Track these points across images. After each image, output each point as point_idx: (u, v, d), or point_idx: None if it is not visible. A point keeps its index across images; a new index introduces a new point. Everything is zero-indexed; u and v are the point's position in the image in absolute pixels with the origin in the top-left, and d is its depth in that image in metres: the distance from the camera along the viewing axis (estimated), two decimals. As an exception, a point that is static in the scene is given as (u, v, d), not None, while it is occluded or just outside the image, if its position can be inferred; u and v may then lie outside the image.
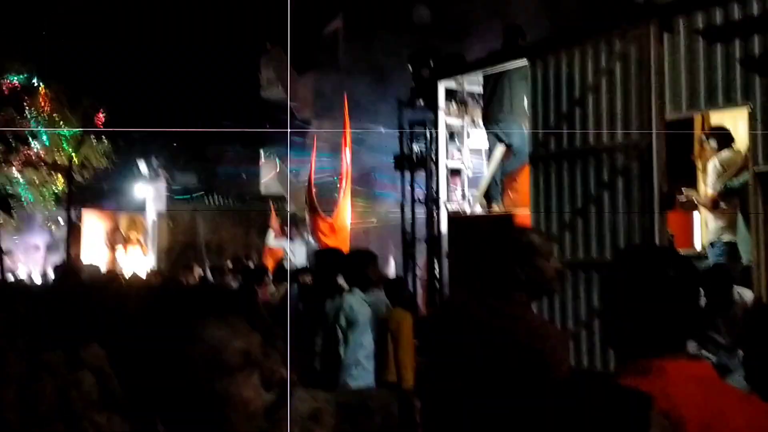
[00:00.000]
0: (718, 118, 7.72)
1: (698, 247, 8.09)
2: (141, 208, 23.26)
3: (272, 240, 14.16)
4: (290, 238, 13.34)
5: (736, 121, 7.26)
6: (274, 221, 14.53)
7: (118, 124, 21.57)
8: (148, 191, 23.99)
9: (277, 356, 1.24)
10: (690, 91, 5.36)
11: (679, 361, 1.61)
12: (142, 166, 23.90)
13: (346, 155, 10.97)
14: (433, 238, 8.14)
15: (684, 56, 5.39)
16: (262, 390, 1.15)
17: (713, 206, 6.88)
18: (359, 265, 5.00)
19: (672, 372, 1.58)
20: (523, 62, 6.75)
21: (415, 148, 8.72)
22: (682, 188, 8.19)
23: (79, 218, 22.14)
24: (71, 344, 2.73)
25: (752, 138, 5.08)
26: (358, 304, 4.89)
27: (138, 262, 20.18)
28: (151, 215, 22.71)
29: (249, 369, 1.15)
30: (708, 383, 1.58)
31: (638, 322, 1.65)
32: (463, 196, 8.52)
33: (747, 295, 5.42)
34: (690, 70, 5.36)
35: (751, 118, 5.03)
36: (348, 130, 11.05)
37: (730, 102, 5.19)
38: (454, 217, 7.91)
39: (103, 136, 20.97)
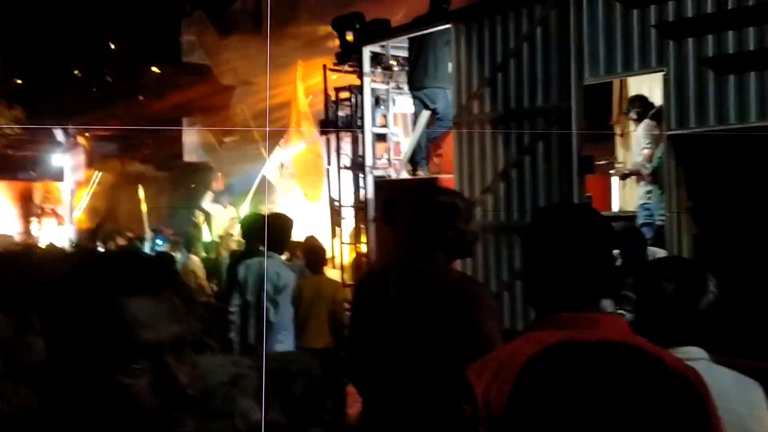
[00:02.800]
0: (637, 86, 7.98)
1: (615, 208, 8.38)
2: (58, 178, 22.41)
3: (209, 203, 13.95)
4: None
5: (652, 86, 7.52)
6: (220, 183, 14.39)
7: (32, 91, 20.61)
8: (65, 160, 23.12)
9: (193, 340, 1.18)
10: (607, 56, 5.47)
11: (600, 313, 1.66)
12: (59, 133, 22.98)
13: None
14: (359, 203, 8.15)
15: (602, 22, 5.49)
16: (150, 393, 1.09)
17: (641, 173, 7.17)
18: (277, 229, 4.97)
19: (600, 323, 1.62)
20: (447, 27, 6.75)
21: (341, 113, 8.67)
22: (615, 163, 8.50)
23: (-9, 188, 21.21)
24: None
25: (666, 102, 5.23)
26: (282, 269, 4.86)
27: (55, 232, 19.51)
28: (69, 184, 21.92)
29: (148, 364, 1.09)
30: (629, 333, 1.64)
31: (554, 280, 1.69)
32: (389, 161, 8.54)
33: (660, 254, 5.65)
34: (608, 36, 5.46)
35: (666, 82, 5.17)
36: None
37: (645, 67, 5.33)
38: (380, 183, 7.92)
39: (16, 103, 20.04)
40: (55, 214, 20.57)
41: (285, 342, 4.83)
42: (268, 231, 4.89)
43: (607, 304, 5.68)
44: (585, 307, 1.64)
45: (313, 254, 6.00)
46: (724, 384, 1.89)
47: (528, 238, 1.80)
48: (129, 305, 1.08)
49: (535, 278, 1.75)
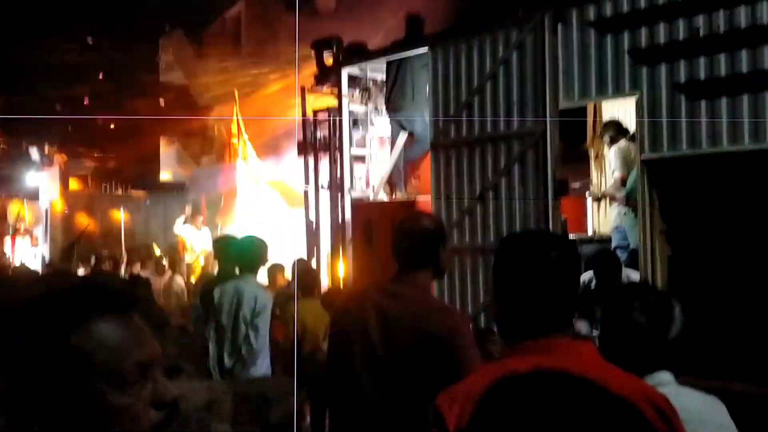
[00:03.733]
0: (611, 110, 8.09)
1: (590, 231, 8.46)
2: (33, 197, 22.14)
3: (180, 225, 13.88)
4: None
5: (626, 110, 7.63)
6: (202, 206, 14.38)
7: (5, 109, 20.40)
8: (40, 179, 22.87)
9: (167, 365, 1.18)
10: (582, 80, 5.55)
11: (563, 339, 1.67)
12: (34, 152, 22.77)
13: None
14: (337, 224, 8.14)
15: (576, 47, 5.57)
16: (152, 409, 1.09)
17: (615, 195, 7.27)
18: (252, 252, 4.94)
19: (558, 349, 1.64)
20: (424, 50, 6.81)
21: (319, 134, 8.69)
22: (589, 185, 8.61)
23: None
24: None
25: (639, 126, 5.30)
26: (260, 292, 4.83)
27: (27, 252, 19.24)
28: (43, 204, 21.66)
29: (141, 382, 1.09)
30: (589, 359, 1.65)
31: (518, 306, 1.71)
32: (367, 182, 8.55)
33: (634, 277, 5.70)
34: (582, 61, 5.55)
35: (638, 107, 5.25)
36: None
37: (619, 91, 5.41)
38: (358, 204, 7.93)
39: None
40: (28, 233, 20.29)
41: (261, 366, 4.78)
42: (241, 253, 4.87)
43: (583, 326, 5.72)
44: (550, 332, 1.66)
45: (305, 278, 6.04)
46: (693, 406, 1.98)
47: (493, 266, 1.82)
48: (99, 328, 1.07)
49: (500, 304, 1.77)
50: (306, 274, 6.63)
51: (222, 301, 4.77)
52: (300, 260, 6.72)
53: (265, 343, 4.83)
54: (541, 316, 1.67)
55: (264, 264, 5.11)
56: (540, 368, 1.55)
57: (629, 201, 6.81)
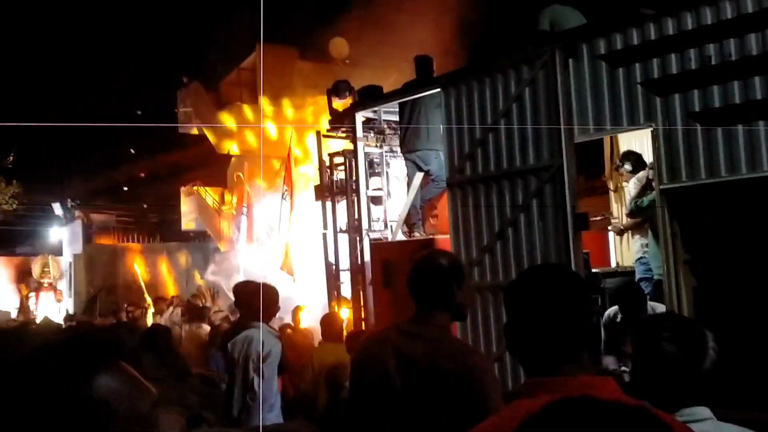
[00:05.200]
0: (627, 142, 8.07)
1: (613, 264, 8.36)
2: (56, 252, 22.40)
3: (210, 273, 14.04)
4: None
5: (642, 141, 7.60)
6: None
7: (29, 167, 20.81)
8: (63, 234, 23.17)
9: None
10: (596, 114, 5.54)
11: (584, 376, 1.63)
12: (57, 207, 23.12)
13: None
14: (356, 266, 8.13)
15: (589, 81, 5.58)
16: None
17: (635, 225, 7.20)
18: (263, 299, 4.93)
19: (578, 387, 1.59)
20: (436, 90, 6.86)
21: (336, 177, 8.74)
22: (610, 219, 8.55)
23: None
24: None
25: (656, 156, 5.27)
26: (267, 337, 4.80)
27: (52, 306, 19.39)
28: (67, 258, 21.90)
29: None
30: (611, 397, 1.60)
31: (534, 342, 1.67)
32: (385, 223, 8.56)
33: (660, 310, 5.60)
34: (595, 94, 5.54)
35: (654, 137, 5.22)
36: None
37: (634, 123, 5.38)
38: (377, 245, 7.92)
39: (14, 179, 20.24)
40: (52, 288, 20.47)
41: (273, 411, 4.74)
42: (251, 301, 4.84)
43: (610, 362, 5.61)
44: (566, 367, 1.62)
45: (329, 324, 6.04)
46: None
47: (507, 302, 1.78)
48: (113, 378, 1.07)
49: (513, 339, 1.74)
50: (329, 318, 6.60)
51: (233, 353, 4.76)
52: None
53: (272, 390, 4.77)
54: (554, 351, 1.63)
55: (275, 312, 5.09)
56: None
57: (653, 228, 6.69)
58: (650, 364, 2.02)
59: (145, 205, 24.67)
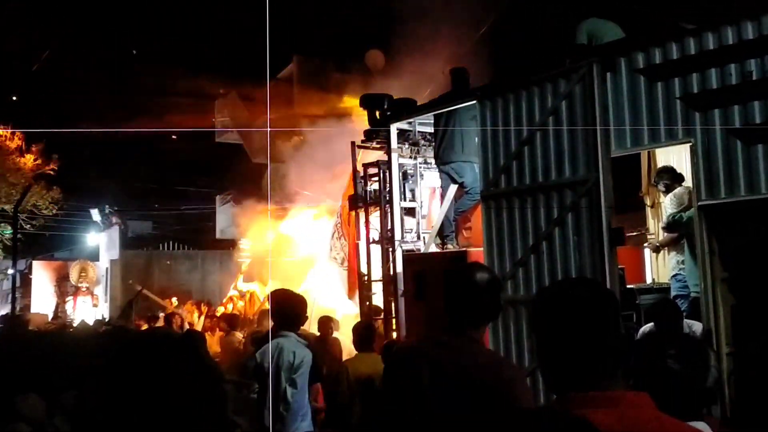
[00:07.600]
0: (665, 157, 7.97)
1: (648, 280, 8.25)
2: (93, 257, 22.81)
3: (242, 281, 14.19)
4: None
5: (680, 157, 7.50)
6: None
7: (70, 174, 21.22)
8: (101, 239, 23.56)
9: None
10: (633, 128, 5.49)
11: (618, 391, 1.62)
12: (95, 214, 23.53)
13: None
14: (388, 277, 8.14)
15: (626, 95, 5.54)
16: None
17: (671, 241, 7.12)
18: (290, 308, 4.94)
19: (621, 402, 1.58)
20: (472, 102, 6.86)
21: (370, 188, 8.78)
22: (647, 235, 8.45)
23: (29, 267, 21.61)
24: (8, 395, 2.63)
25: (695, 172, 5.20)
26: (298, 348, 4.81)
27: (88, 311, 19.71)
28: (104, 263, 22.27)
29: None
30: (645, 412, 1.59)
31: (564, 357, 1.66)
32: (418, 235, 8.56)
33: (696, 328, 5.51)
34: (633, 108, 5.50)
35: (693, 153, 5.16)
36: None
37: (672, 138, 5.32)
38: (409, 256, 7.92)
39: (54, 185, 20.65)
40: (90, 293, 20.83)
41: (305, 421, 4.74)
42: (280, 310, 4.86)
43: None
44: (597, 382, 1.61)
45: (363, 333, 6.04)
46: None
47: (534, 318, 1.77)
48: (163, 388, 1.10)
49: (546, 356, 1.72)
50: (363, 328, 6.60)
51: (263, 362, 4.77)
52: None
53: (305, 401, 4.78)
54: (584, 365, 1.62)
55: (303, 321, 5.11)
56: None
57: (690, 246, 6.60)
58: (655, 380, 2.03)
59: (180, 212, 25.00)
